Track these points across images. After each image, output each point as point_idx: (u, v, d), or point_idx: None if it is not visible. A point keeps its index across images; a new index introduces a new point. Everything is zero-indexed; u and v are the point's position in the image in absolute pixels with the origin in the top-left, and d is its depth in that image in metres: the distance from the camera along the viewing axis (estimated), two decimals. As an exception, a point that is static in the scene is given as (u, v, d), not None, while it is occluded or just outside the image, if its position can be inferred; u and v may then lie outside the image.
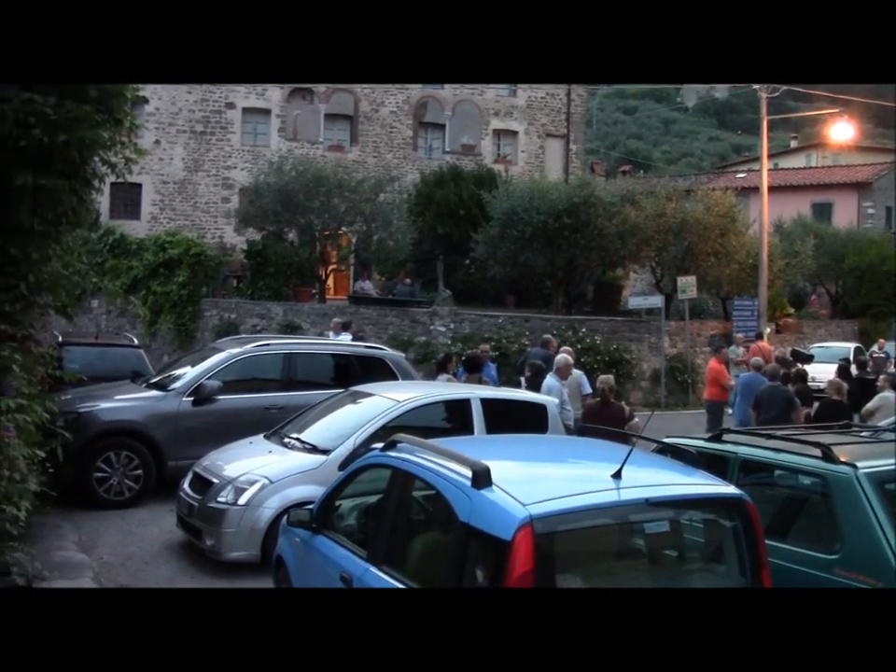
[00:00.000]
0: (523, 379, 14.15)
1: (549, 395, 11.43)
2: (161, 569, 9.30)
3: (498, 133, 39.16)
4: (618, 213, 25.41)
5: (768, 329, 25.79)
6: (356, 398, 10.47)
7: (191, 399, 12.13)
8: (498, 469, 5.01)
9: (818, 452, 6.75)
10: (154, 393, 12.36)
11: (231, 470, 9.55)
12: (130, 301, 25.89)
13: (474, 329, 23.77)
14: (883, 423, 10.85)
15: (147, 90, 30.83)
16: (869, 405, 12.97)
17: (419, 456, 5.74)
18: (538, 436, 9.11)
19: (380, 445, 6.55)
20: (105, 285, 24.88)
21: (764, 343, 22.50)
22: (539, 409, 10.44)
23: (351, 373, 13.05)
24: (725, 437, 7.89)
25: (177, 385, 12.39)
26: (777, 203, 32.94)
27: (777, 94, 27.05)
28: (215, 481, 9.49)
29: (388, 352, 14.44)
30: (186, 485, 9.99)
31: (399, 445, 6.13)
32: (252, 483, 9.16)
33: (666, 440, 7.34)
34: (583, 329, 23.71)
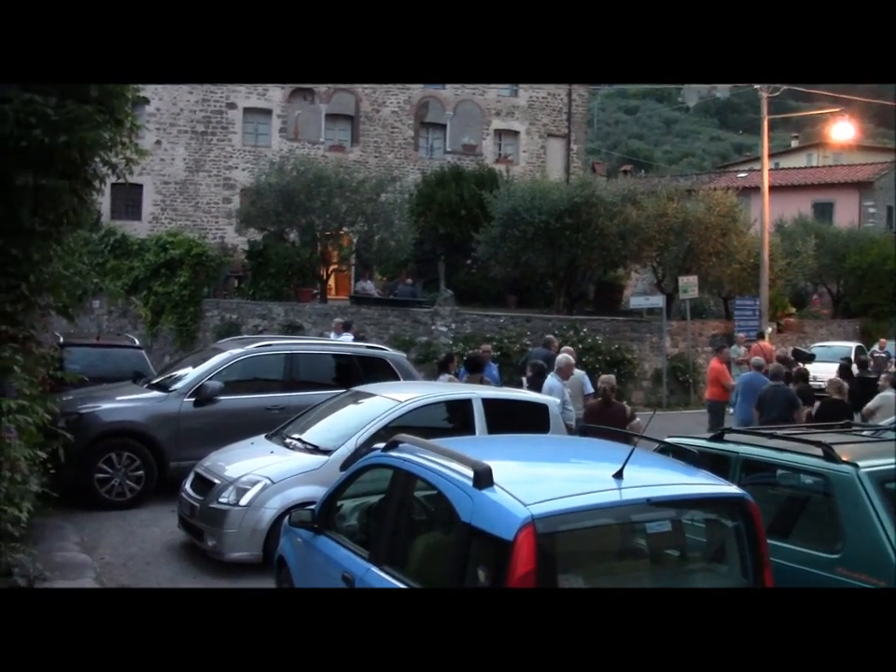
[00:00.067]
0: (524, 379, 14.15)
1: (550, 395, 11.43)
2: (163, 570, 9.31)
3: (500, 133, 39.16)
4: (619, 213, 25.40)
5: (770, 329, 25.80)
6: (357, 398, 10.47)
7: (193, 399, 12.13)
8: (500, 469, 5.01)
9: (819, 451, 6.75)
10: (155, 394, 12.36)
11: (232, 471, 9.55)
12: (131, 302, 25.99)
13: (476, 329, 23.77)
14: (884, 422, 10.85)
15: (148, 90, 30.80)
16: (870, 404, 12.96)
17: (421, 457, 5.74)
18: (539, 436, 9.11)
19: (381, 445, 6.56)
20: (107, 285, 25.01)
21: (766, 343, 22.50)
22: (541, 409, 10.44)
23: (352, 374, 13.05)
24: (727, 436, 7.89)
25: (179, 385, 12.39)
26: (778, 203, 32.92)
27: (777, 94, 27.06)
28: (216, 481, 9.50)
29: (390, 352, 14.44)
30: (187, 486, 9.99)
31: (400, 445, 6.12)
32: (254, 483, 9.17)
33: (668, 439, 7.33)
34: (585, 329, 23.70)
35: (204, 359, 13.16)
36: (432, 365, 19.59)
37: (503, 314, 25.22)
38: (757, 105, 29.49)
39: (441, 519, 5.65)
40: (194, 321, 26.57)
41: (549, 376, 12.51)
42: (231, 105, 34.95)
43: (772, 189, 28.76)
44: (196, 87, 33.80)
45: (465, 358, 15.30)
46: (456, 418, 10.12)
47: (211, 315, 26.54)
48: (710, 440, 7.95)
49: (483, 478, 4.89)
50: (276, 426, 10.76)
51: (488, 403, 10.02)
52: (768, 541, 5.41)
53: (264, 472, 9.27)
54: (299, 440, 9.90)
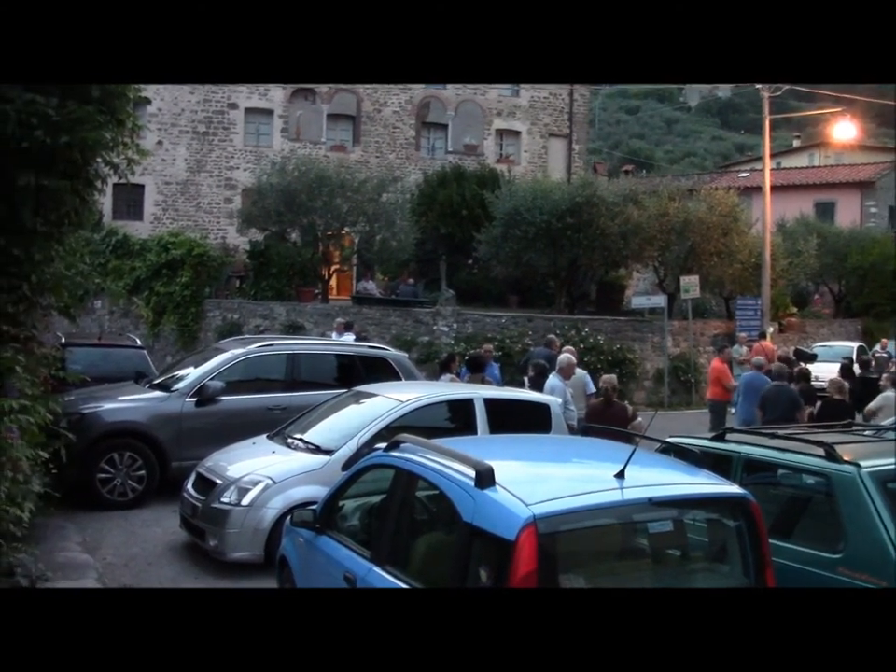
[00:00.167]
0: (526, 379, 14.15)
1: (552, 395, 11.43)
2: (165, 570, 9.31)
3: (501, 133, 39.15)
4: (621, 213, 25.40)
5: (771, 329, 25.79)
6: (359, 398, 10.47)
7: (195, 399, 12.14)
8: (502, 469, 5.01)
9: (821, 451, 6.75)
10: (157, 394, 12.37)
11: (234, 471, 9.55)
12: (133, 302, 26.02)
13: (477, 328, 23.76)
14: (886, 422, 10.84)
15: (150, 90, 30.79)
16: (872, 405, 12.94)
17: (422, 456, 5.74)
18: (541, 436, 9.10)
19: (383, 445, 6.56)
20: (108, 285, 25.05)
21: (767, 343, 22.48)
22: (543, 409, 10.44)
23: (354, 374, 13.05)
24: (729, 436, 7.88)
25: (181, 385, 12.40)
26: (779, 203, 32.89)
27: (779, 94, 27.05)
28: (218, 481, 9.50)
29: (391, 352, 14.45)
30: (189, 486, 9.99)
31: (402, 445, 6.13)
32: (255, 483, 9.17)
33: (670, 439, 7.33)
34: (586, 329, 23.71)
35: (206, 359, 13.17)
36: (434, 365, 19.59)
37: (505, 313, 25.21)
38: (758, 104, 29.49)
39: (443, 519, 5.66)
40: (196, 321, 26.57)
41: (550, 376, 12.51)
42: (233, 106, 34.96)
43: (773, 188, 28.74)
44: (197, 87, 33.81)
45: (466, 358, 15.31)
46: (458, 418, 10.13)
47: (213, 316, 26.54)
48: (712, 439, 7.95)
49: (485, 478, 4.89)
50: (278, 426, 10.76)
51: (490, 403, 10.02)
52: (770, 541, 5.41)
53: (266, 472, 9.27)
54: (300, 440, 9.90)
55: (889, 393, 12.90)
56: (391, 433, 8.07)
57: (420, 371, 16.36)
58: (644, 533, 5.42)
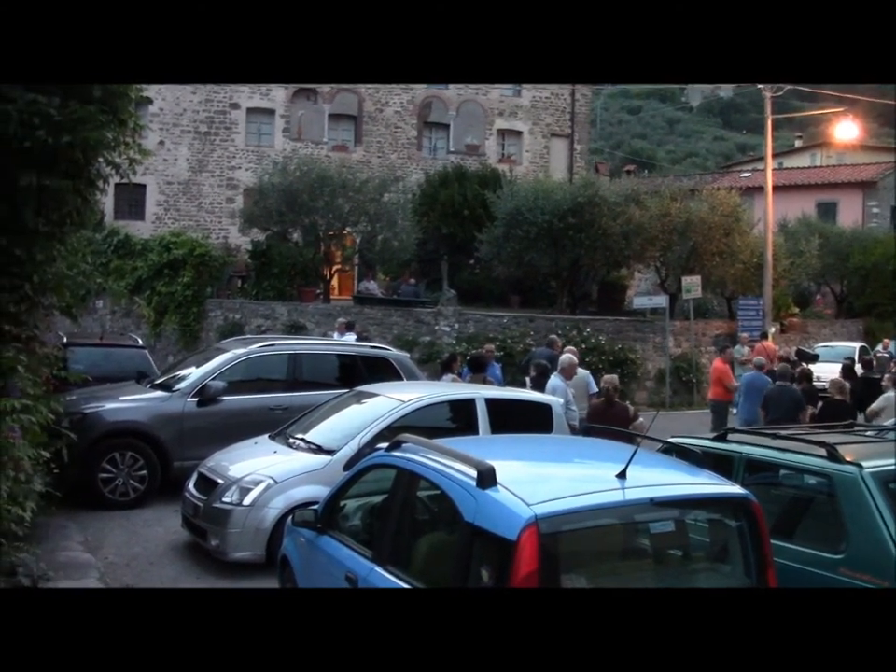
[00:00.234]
0: (528, 379, 14.15)
1: (553, 395, 11.43)
2: (167, 569, 9.31)
3: (503, 133, 39.13)
4: (622, 213, 25.40)
5: (773, 329, 25.76)
6: (360, 398, 10.47)
7: (196, 399, 12.15)
8: (503, 469, 5.01)
9: (823, 451, 6.74)
10: (159, 393, 12.37)
11: (235, 471, 9.56)
12: (134, 302, 26.03)
13: (479, 328, 23.76)
14: (887, 422, 10.83)
15: (151, 90, 30.80)
16: (874, 405, 12.91)
17: (424, 456, 5.74)
18: (542, 436, 9.10)
19: (385, 445, 6.56)
20: (110, 285, 25.07)
21: (769, 343, 22.45)
22: (544, 409, 10.44)
23: (356, 374, 13.05)
24: (730, 436, 7.88)
25: (182, 385, 12.40)
26: (781, 203, 32.87)
27: (781, 94, 27.00)
28: (220, 481, 9.50)
29: (393, 352, 14.45)
30: (191, 486, 10.00)
31: (403, 445, 6.13)
32: (257, 483, 9.17)
33: (671, 439, 7.32)
34: (588, 329, 23.70)
35: (208, 359, 13.17)
36: (435, 365, 19.58)
37: (506, 314, 25.20)
38: (760, 104, 29.50)
39: (445, 519, 5.66)
40: (197, 321, 26.58)
41: (552, 376, 12.51)
42: (235, 106, 34.95)
43: (775, 188, 28.69)
44: (199, 87, 33.79)
45: (468, 358, 15.30)
46: (460, 418, 10.13)
47: (214, 315, 26.54)
48: (714, 440, 7.94)
49: (487, 478, 4.89)
50: (280, 425, 10.76)
51: (491, 403, 10.02)
52: (771, 541, 5.41)
53: (267, 472, 9.28)
54: (302, 439, 9.90)
55: (890, 394, 12.88)
56: (393, 433, 8.06)
57: (422, 371, 16.35)
58: (646, 533, 5.42)
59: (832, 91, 30.53)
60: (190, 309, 26.48)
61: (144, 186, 32.93)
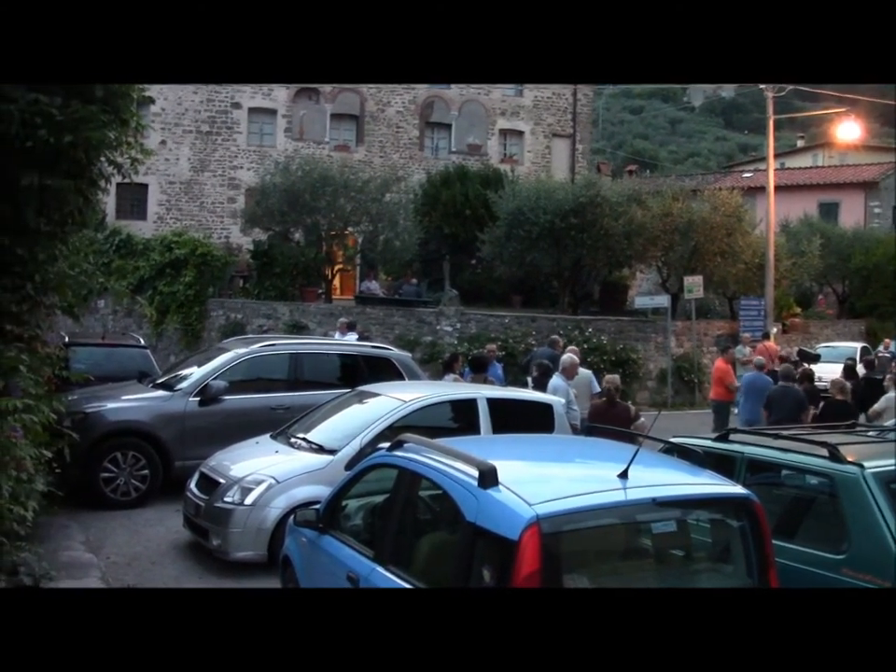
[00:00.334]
0: (529, 379, 14.14)
1: (555, 394, 11.43)
2: (168, 569, 9.31)
3: (505, 133, 39.15)
4: (624, 213, 25.41)
5: (775, 329, 25.75)
6: (362, 398, 10.48)
7: (198, 399, 12.15)
8: (505, 469, 5.01)
9: (825, 451, 6.74)
10: (160, 393, 12.38)
11: (237, 470, 9.56)
12: (136, 302, 26.04)
13: (480, 328, 23.76)
14: (889, 423, 10.82)
15: (153, 90, 30.76)
16: (876, 406, 12.89)
17: (426, 456, 5.74)
18: (544, 436, 9.10)
19: (386, 445, 6.56)
20: (112, 285, 25.08)
21: (771, 343, 22.44)
22: (546, 409, 10.44)
23: (357, 373, 13.06)
24: (732, 437, 7.88)
25: (184, 385, 12.41)
26: (783, 203, 32.85)
27: (783, 94, 26.96)
28: (221, 481, 9.50)
29: (395, 352, 14.45)
30: (192, 485, 10.00)
31: (405, 445, 6.13)
32: (259, 482, 9.17)
33: (673, 439, 7.32)
34: (590, 329, 23.71)
35: (209, 359, 13.18)
36: (437, 365, 19.59)
37: (508, 313, 25.21)
38: (762, 104, 29.50)
39: (446, 519, 5.66)
40: (199, 321, 26.61)
41: (554, 376, 12.51)
42: (236, 105, 34.97)
43: (777, 188, 28.68)
44: (201, 87, 33.82)
45: (470, 358, 15.30)
46: (461, 418, 10.12)
47: (216, 315, 26.57)
48: (715, 440, 7.94)
49: (488, 477, 4.89)
50: (281, 425, 10.76)
51: (493, 403, 10.03)
52: (773, 542, 5.40)
53: (269, 472, 9.28)
54: (303, 439, 9.90)
55: (891, 394, 12.86)
56: (394, 433, 8.06)
57: (423, 370, 16.37)
58: (647, 533, 5.41)
59: (833, 91, 30.52)
60: (192, 309, 26.51)
61: (146, 185, 32.96)
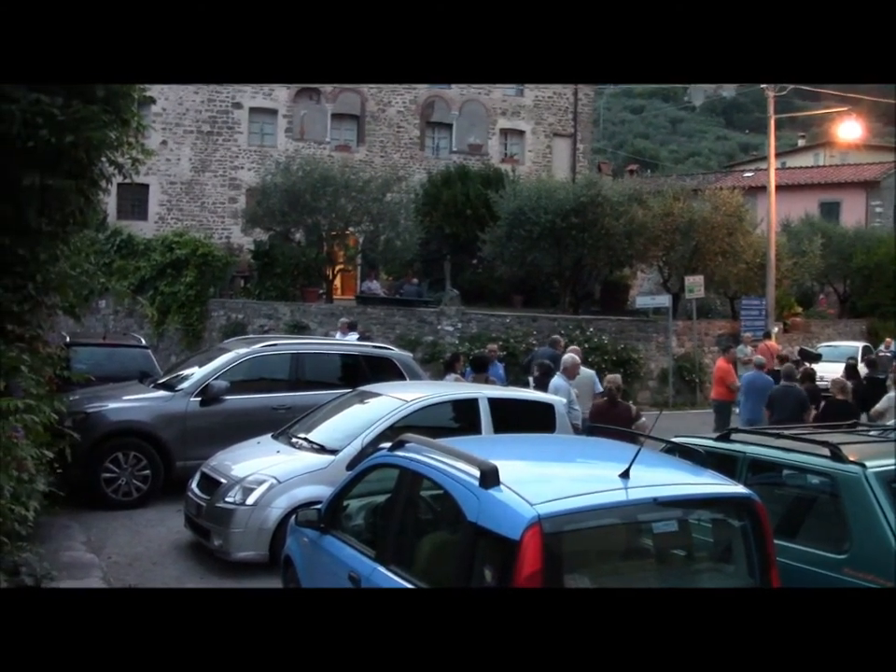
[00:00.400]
0: (530, 379, 14.14)
1: (556, 394, 11.43)
2: (170, 569, 9.31)
3: (505, 133, 39.15)
4: (625, 212, 25.41)
5: (776, 329, 25.74)
6: (363, 398, 10.47)
7: (199, 399, 12.15)
8: (506, 469, 5.01)
9: (826, 451, 6.74)
10: (162, 393, 12.38)
11: (238, 470, 9.56)
12: (137, 302, 25.99)
13: (482, 328, 23.76)
14: (891, 422, 10.80)
15: (154, 90, 30.87)
16: (878, 406, 12.86)
17: (427, 456, 5.74)
18: (545, 435, 9.11)
19: (388, 445, 6.56)
20: (113, 285, 25.03)
21: (772, 343, 22.44)
22: (547, 408, 10.44)
23: (359, 373, 13.05)
24: (734, 436, 7.87)
25: (185, 385, 12.41)
26: (784, 203, 32.85)
27: (784, 93, 26.94)
28: (223, 481, 9.50)
29: (396, 352, 14.44)
30: (194, 485, 10.00)
31: (406, 445, 6.13)
32: (260, 482, 9.17)
33: (674, 439, 7.32)
34: (591, 329, 23.70)
35: (210, 359, 13.18)
36: (438, 365, 19.59)
37: (509, 313, 25.20)
38: (763, 104, 29.46)
39: (448, 518, 5.65)
40: (200, 321, 26.62)
41: (555, 376, 12.51)
42: (237, 105, 34.98)
43: (778, 188, 28.67)
44: (202, 87, 33.84)
45: (471, 358, 15.29)
46: (462, 418, 10.12)
47: (217, 315, 26.58)
48: (717, 439, 7.94)
49: (490, 477, 4.89)
50: (282, 425, 10.76)
51: (494, 403, 10.02)
52: (775, 541, 5.40)
53: (270, 472, 9.28)
54: (305, 439, 9.90)
55: (892, 394, 12.85)
56: (395, 433, 8.06)
57: (424, 370, 16.37)
58: (649, 533, 5.41)
59: (835, 90, 30.51)
60: (193, 309, 26.52)
61: (147, 186, 32.97)
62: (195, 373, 12.68)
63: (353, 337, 18.15)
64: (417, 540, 5.78)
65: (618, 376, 11.83)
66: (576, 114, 39.53)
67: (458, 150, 37.72)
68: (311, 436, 9.93)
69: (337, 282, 29.02)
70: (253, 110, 35.31)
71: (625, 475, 4.97)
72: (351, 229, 27.63)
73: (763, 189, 29.23)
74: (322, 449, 9.58)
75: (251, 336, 19.70)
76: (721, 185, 33.40)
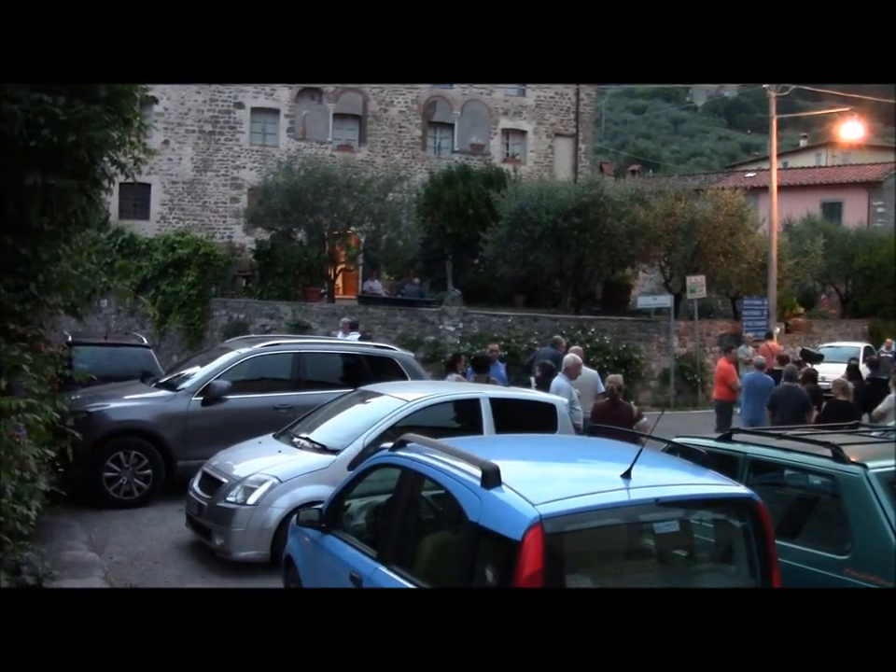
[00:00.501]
0: (532, 379, 14.14)
1: (558, 394, 11.42)
2: (171, 569, 9.32)
3: (507, 133, 39.15)
4: (627, 212, 25.41)
5: (778, 329, 25.71)
6: (365, 397, 10.47)
7: (201, 398, 12.15)
8: (508, 469, 5.01)
9: (828, 452, 6.73)
10: (163, 393, 12.38)
11: (240, 470, 9.56)
12: (139, 301, 25.97)
13: (483, 328, 23.76)
14: (892, 423, 10.79)
15: (156, 90, 30.89)
16: (880, 407, 12.85)
17: (428, 456, 5.74)
18: (547, 436, 9.11)
19: (389, 445, 6.56)
20: (115, 284, 24.95)
21: (774, 343, 22.43)
22: (549, 409, 10.44)
23: (360, 373, 13.05)
24: (735, 437, 7.87)
25: (187, 384, 12.41)
26: (786, 203, 32.85)
27: (786, 93, 26.92)
28: (224, 480, 9.51)
29: (397, 352, 14.44)
30: (195, 485, 10.00)
31: (408, 445, 6.13)
32: (261, 482, 9.17)
33: (676, 439, 7.32)
34: (592, 329, 23.69)
35: (212, 359, 13.18)
36: (440, 364, 19.59)
37: (511, 313, 25.20)
38: (765, 104, 29.42)
39: (449, 518, 5.65)
40: (202, 320, 26.64)
41: (557, 376, 12.50)
42: (239, 105, 34.99)
43: (780, 188, 28.65)
44: (204, 87, 33.85)
45: (472, 358, 15.29)
46: (464, 418, 10.12)
47: (219, 315, 26.59)
48: (718, 440, 7.93)
49: (491, 477, 4.89)
50: (284, 425, 10.76)
51: (496, 403, 10.02)
52: (776, 542, 5.40)
53: (272, 471, 9.28)
54: (306, 439, 9.90)
55: (894, 395, 12.84)
56: (397, 433, 8.06)
57: (426, 370, 16.37)
58: (650, 533, 5.41)
59: (836, 90, 30.47)
60: (195, 308, 26.55)
61: (148, 185, 32.98)
62: (197, 373, 12.68)
63: (354, 337, 18.14)
64: (418, 540, 5.78)
65: (619, 376, 11.83)
66: (578, 114, 39.53)
67: (460, 150, 37.72)
68: (312, 436, 9.93)
69: (339, 282, 29.03)
70: (255, 110, 35.33)
71: (627, 475, 4.97)
72: (353, 228, 27.64)
73: (765, 189, 29.21)
74: (323, 449, 9.58)
75: (253, 336, 19.70)
76: (723, 185, 33.40)
